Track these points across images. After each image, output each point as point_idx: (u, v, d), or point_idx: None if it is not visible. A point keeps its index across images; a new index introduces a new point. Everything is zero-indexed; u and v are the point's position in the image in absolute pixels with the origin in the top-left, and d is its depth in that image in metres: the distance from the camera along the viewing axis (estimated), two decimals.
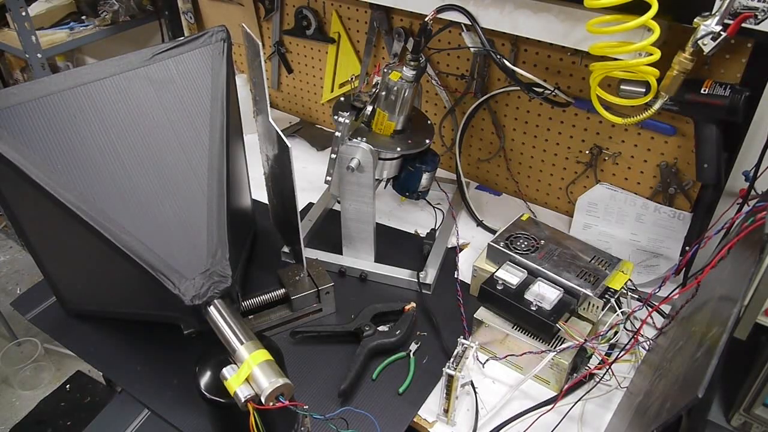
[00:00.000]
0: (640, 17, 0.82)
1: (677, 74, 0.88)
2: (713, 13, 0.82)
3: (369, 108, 1.10)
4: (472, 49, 1.23)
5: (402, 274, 1.16)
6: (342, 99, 1.15)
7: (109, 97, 0.91)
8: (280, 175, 1.05)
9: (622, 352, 0.92)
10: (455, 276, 1.17)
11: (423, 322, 1.08)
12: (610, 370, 0.95)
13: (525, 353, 0.94)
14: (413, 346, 1.03)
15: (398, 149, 1.10)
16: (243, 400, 0.72)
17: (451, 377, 0.86)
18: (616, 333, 0.95)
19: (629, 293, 1.03)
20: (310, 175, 1.45)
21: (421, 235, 1.28)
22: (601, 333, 0.95)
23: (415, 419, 0.93)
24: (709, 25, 0.82)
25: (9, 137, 0.84)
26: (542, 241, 1.07)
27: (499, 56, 1.05)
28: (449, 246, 1.25)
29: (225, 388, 0.74)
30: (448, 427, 0.92)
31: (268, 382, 0.72)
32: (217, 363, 0.78)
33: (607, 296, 0.96)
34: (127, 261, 0.86)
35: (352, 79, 1.48)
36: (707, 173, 1.01)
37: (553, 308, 0.95)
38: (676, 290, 0.96)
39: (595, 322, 0.98)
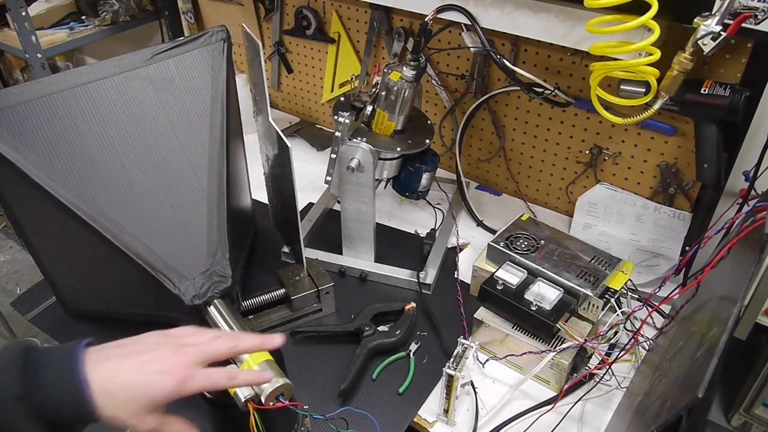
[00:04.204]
0: (640, 17, 0.82)
1: (677, 74, 0.88)
2: (713, 13, 0.82)
3: (369, 108, 1.10)
4: (472, 49, 1.23)
5: (402, 274, 1.16)
6: (342, 99, 1.15)
7: (109, 97, 0.91)
8: (280, 175, 1.05)
9: (622, 352, 0.93)
10: (455, 276, 1.17)
11: (423, 322, 1.08)
12: (610, 370, 0.95)
13: (525, 353, 0.94)
14: (413, 346, 1.03)
15: (398, 149, 1.09)
16: (243, 400, 0.72)
17: (451, 377, 0.86)
18: (616, 333, 0.95)
19: (629, 293, 1.03)
20: (310, 175, 1.45)
21: (421, 235, 1.28)
22: (601, 333, 0.95)
23: (415, 419, 0.93)
24: (709, 25, 0.82)
25: (9, 137, 0.84)
26: (542, 241, 1.07)
27: (499, 56, 1.05)
28: (449, 246, 1.25)
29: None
30: (448, 427, 0.92)
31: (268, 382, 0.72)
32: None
33: (607, 296, 0.96)
34: (127, 261, 0.86)
35: (352, 79, 1.48)
36: (707, 173, 1.01)
37: (553, 308, 0.95)
38: (676, 290, 0.96)
39: (595, 322, 0.98)
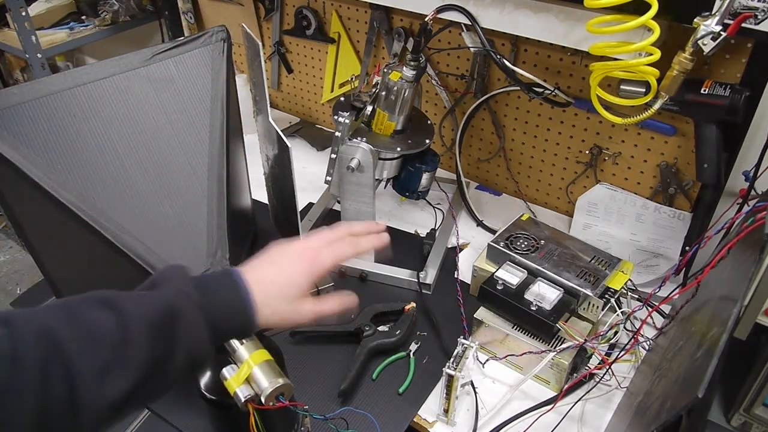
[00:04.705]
0: (640, 17, 0.82)
1: (677, 74, 0.88)
2: (713, 13, 0.82)
3: (369, 108, 1.10)
4: (472, 49, 1.23)
5: (402, 274, 1.16)
6: (342, 99, 1.15)
7: (109, 97, 0.91)
8: (280, 175, 1.05)
9: (622, 352, 0.92)
10: (455, 276, 1.17)
11: (423, 322, 1.08)
12: (610, 370, 0.95)
13: (525, 353, 0.94)
14: (413, 346, 1.03)
15: (398, 149, 1.09)
16: (243, 400, 0.72)
17: (451, 377, 0.86)
18: (616, 333, 0.95)
19: (629, 293, 1.03)
20: (310, 175, 1.45)
21: (421, 235, 1.28)
22: (601, 333, 0.95)
23: (415, 419, 0.93)
24: (709, 25, 0.82)
25: (9, 137, 0.84)
26: (542, 241, 1.07)
27: (499, 56, 1.05)
28: (449, 246, 1.25)
29: (225, 388, 0.74)
30: (448, 427, 0.92)
31: (268, 382, 0.72)
32: (217, 363, 0.78)
33: (607, 296, 0.96)
34: (127, 261, 0.86)
35: (352, 79, 1.48)
36: (707, 173, 1.01)
37: (553, 308, 0.95)
38: (676, 290, 0.96)
39: (595, 322, 0.98)
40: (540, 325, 0.94)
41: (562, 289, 0.98)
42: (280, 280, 0.64)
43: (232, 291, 0.61)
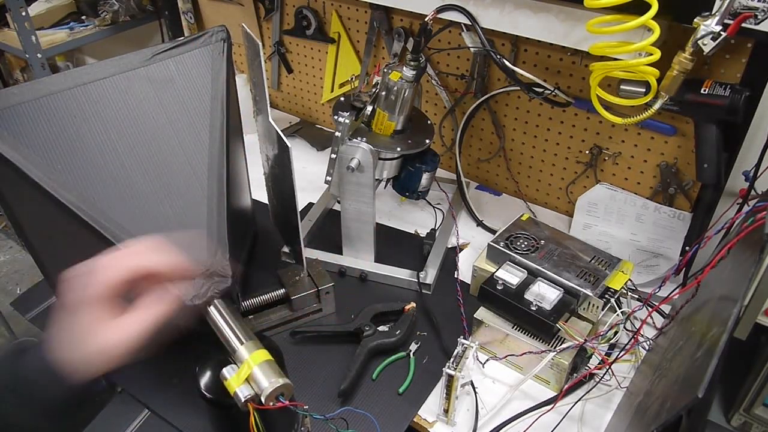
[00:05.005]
0: (640, 17, 0.82)
1: (677, 74, 0.88)
2: (713, 13, 0.82)
3: (369, 108, 1.10)
4: (472, 49, 1.23)
5: (402, 274, 1.16)
6: (342, 99, 1.15)
7: (109, 97, 0.91)
8: (280, 175, 1.05)
9: (622, 352, 0.92)
10: (455, 276, 1.17)
11: (423, 322, 1.08)
12: (610, 370, 0.95)
13: (525, 353, 0.94)
14: (413, 346, 1.03)
15: (398, 149, 1.09)
16: (243, 400, 0.72)
17: (451, 377, 0.86)
18: (616, 333, 0.95)
19: (629, 293, 1.03)
20: (310, 175, 1.45)
21: (421, 235, 1.28)
22: (601, 333, 0.95)
23: (415, 419, 0.93)
24: (709, 25, 0.82)
25: (9, 137, 0.84)
26: (542, 241, 1.07)
27: (499, 56, 1.05)
28: (449, 246, 1.25)
29: (225, 388, 0.74)
30: (448, 427, 0.92)
31: (268, 382, 0.72)
32: (217, 363, 0.78)
33: (607, 296, 0.96)
34: None
35: (352, 79, 1.48)
36: (707, 173, 1.01)
37: (553, 308, 0.95)
38: (676, 290, 0.96)
39: (595, 322, 0.98)
40: (540, 325, 0.94)
41: (562, 289, 0.98)
42: (72, 329, 0.59)
43: (40, 368, 0.59)
